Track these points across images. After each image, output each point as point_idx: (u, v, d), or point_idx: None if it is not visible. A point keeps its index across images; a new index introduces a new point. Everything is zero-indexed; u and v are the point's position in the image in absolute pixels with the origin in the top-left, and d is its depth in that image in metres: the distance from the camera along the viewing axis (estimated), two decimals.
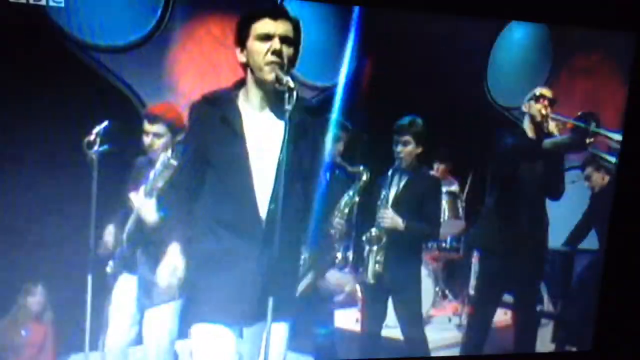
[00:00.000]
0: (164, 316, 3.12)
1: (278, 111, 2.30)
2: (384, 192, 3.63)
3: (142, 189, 3.08)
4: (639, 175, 4.22)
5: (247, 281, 2.29)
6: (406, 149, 3.58)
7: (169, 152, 3.04)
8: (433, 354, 4.05)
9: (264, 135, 2.29)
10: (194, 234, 2.35)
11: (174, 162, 2.95)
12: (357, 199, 3.61)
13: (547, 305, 4.31)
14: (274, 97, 2.31)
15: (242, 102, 2.34)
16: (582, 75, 4.70)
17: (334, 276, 3.64)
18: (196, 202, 2.34)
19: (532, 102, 3.77)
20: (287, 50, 2.26)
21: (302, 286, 3.28)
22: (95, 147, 3.19)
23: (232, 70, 4.20)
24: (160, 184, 3.00)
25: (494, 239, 3.74)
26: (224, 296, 2.31)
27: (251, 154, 2.28)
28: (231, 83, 2.45)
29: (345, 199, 3.59)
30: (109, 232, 3.32)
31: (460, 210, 4.19)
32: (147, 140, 3.17)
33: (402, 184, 3.64)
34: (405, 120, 3.62)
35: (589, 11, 4.02)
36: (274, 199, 2.21)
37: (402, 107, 4.19)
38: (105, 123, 3.26)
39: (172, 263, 2.34)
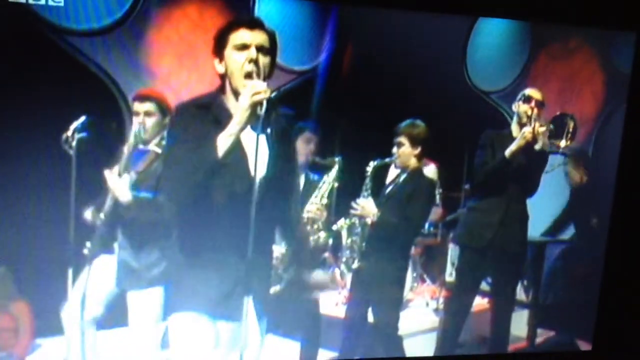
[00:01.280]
0: (148, 300, 3.13)
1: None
2: (366, 183, 3.69)
3: (116, 167, 3.10)
4: (639, 175, 4.25)
5: (229, 276, 2.35)
6: (400, 150, 3.63)
7: (154, 141, 3.08)
8: (411, 340, 4.10)
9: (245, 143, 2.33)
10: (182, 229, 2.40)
11: (157, 150, 2.99)
12: (335, 184, 3.65)
13: (520, 293, 4.38)
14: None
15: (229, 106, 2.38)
16: (560, 60, 4.72)
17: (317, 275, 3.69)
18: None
19: (521, 103, 3.75)
20: (263, 60, 2.30)
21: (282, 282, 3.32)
22: (74, 142, 3.15)
23: (209, 52, 4.21)
24: (141, 168, 3.02)
25: (475, 236, 3.75)
26: (204, 288, 2.35)
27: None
28: (214, 87, 2.48)
29: (321, 187, 3.63)
30: (88, 213, 3.29)
31: (438, 197, 4.22)
32: (137, 120, 3.17)
33: (395, 181, 3.70)
34: (404, 122, 3.66)
35: (589, 10, 4.03)
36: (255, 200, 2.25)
37: (380, 92, 4.20)
38: (83, 118, 3.21)
39: None
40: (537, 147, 3.59)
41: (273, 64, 2.36)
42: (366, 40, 4.24)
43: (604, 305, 4.28)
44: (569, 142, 3.49)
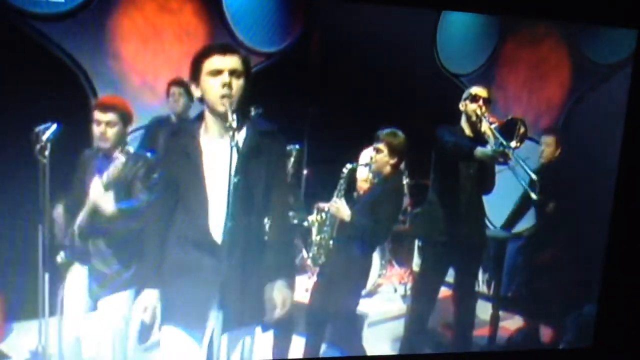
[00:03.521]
0: (118, 304, 3.15)
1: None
2: (340, 183, 3.68)
3: (98, 180, 3.06)
4: (638, 174, 4.27)
5: (210, 291, 2.41)
6: (377, 156, 3.62)
7: (118, 149, 3.07)
8: (379, 326, 4.12)
9: (224, 161, 2.38)
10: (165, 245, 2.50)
11: (122, 158, 2.99)
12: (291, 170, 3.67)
13: (482, 286, 4.47)
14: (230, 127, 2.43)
15: (202, 136, 2.48)
16: (528, 46, 4.73)
17: None
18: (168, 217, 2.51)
19: (468, 102, 3.70)
20: (237, 83, 2.38)
21: None
22: (47, 151, 3.12)
23: (175, 35, 4.18)
24: (111, 177, 3.03)
25: (436, 229, 3.77)
26: (190, 303, 2.45)
27: (209, 182, 2.43)
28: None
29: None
30: (59, 214, 3.28)
31: (405, 186, 4.22)
32: (98, 129, 3.11)
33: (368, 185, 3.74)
34: (385, 130, 3.64)
35: (589, 7, 4.01)
36: (230, 216, 2.33)
37: (349, 77, 4.18)
38: (54, 127, 3.16)
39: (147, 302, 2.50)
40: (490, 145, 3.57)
41: (248, 86, 2.42)
42: (335, 23, 4.20)
43: (605, 302, 4.34)
44: (518, 144, 3.46)
